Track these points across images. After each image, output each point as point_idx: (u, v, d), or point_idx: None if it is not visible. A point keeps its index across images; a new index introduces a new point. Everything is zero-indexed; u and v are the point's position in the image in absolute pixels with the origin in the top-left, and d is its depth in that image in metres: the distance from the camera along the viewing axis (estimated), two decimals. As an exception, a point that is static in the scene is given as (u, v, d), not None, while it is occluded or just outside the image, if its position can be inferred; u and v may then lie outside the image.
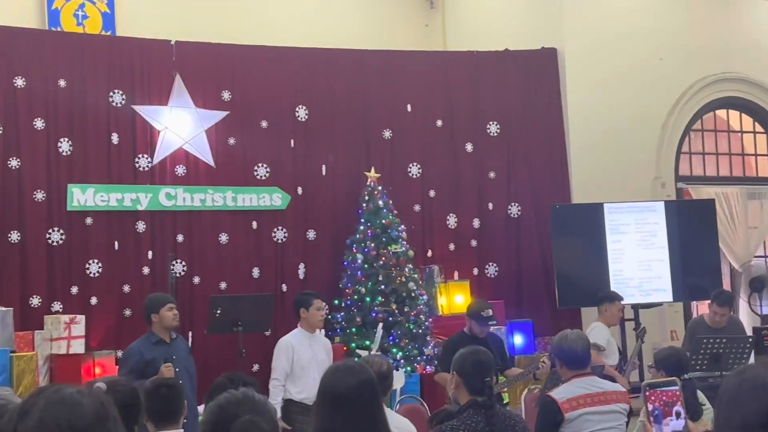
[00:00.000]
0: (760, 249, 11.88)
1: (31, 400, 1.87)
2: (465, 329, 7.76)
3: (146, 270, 9.40)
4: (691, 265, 10.27)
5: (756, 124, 12.17)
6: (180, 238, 9.59)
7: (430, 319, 9.73)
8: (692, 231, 10.35)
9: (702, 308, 10.52)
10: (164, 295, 7.39)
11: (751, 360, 8.27)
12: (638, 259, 10.18)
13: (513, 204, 10.80)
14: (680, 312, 11.07)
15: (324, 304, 7.72)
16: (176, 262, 9.40)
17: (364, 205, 9.82)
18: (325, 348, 7.58)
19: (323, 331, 8.95)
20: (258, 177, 9.95)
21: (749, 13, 11.92)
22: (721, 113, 12.14)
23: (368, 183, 9.91)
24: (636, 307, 9.97)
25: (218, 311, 8.24)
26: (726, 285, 11.12)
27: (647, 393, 2.02)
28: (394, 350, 9.17)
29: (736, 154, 12.17)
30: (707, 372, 7.85)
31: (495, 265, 10.71)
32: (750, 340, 8.37)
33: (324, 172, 10.21)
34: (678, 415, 2.06)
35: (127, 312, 9.19)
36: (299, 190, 10.09)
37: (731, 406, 1.81)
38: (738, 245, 11.49)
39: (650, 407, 2.00)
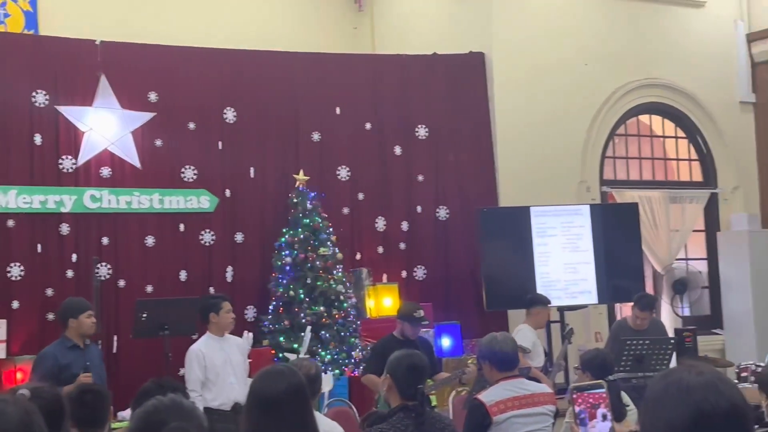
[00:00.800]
0: (681, 252, 12.11)
1: None
2: (395, 332, 7.78)
3: (70, 273, 9.24)
4: (615, 267, 10.45)
5: (678, 129, 12.42)
6: (105, 240, 9.45)
7: (359, 322, 9.73)
8: (616, 234, 10.54)
9: (626, 310, 10.70)
10: (85, 301, 7.29)
11: (673, 361, 8.43)
12: (564, 261, 10.32)
13: (441, 207, 10.87)
14: (604, 314, 11.25)
15: (230, 306, 7.57)
16: (101, 265, 9.26)
17: (293, 208, 9.78)
18: (239, 348, 7.42)
19: (251, 334, 8.89)
20: (185, 179, 9.85)
21: (672, 21, 12.17)
22: (644, 118, 12.37)
23: (297, 186, 9.88)
24: (562, 310, 10.11)
25: (144, 315, 8.12)
26: (649, 287, 11.34)
27: (574, 396, 2.04)
28: (323, 353, 9.14)
29: (658, 158, 12.41)
30: (631, 373, 7.98)
31: (423, 267, 10.76)
32: (672, 341, 8.53)
33: (252, 175, 10.15)
34: (604, 417, 2.09)
35: (50, 316, 9.00)
36: (227, 193, 10.02)
37: (656, 409, 1.84)
38: (660, 248, 11.71)
39: (577, 410, 2.03)
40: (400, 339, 7.66)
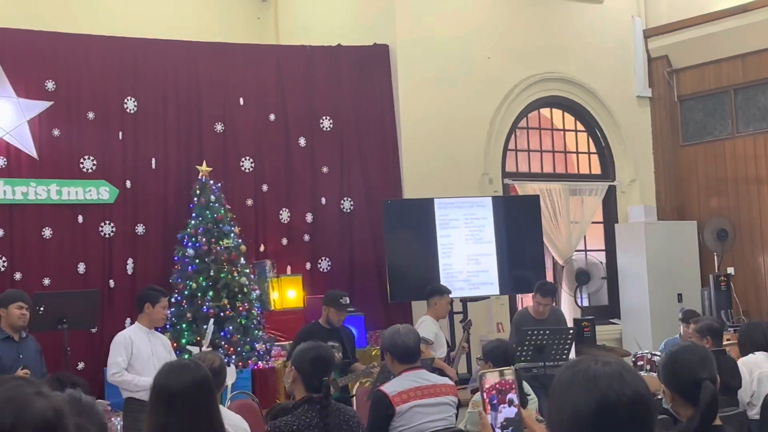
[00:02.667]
0: (580, 243, 12.36)
1: None
2: (320, 320, 7.86)
3: (-36, 266, 8.98)
4: (517, 259, 10.62)
5: (577, 122, 12.66)
6: (0, 232, 9.20)
7: (262, 314, 9.69)
8: (518, 226, 10.71)
9: (526, 300, 10.88)
10: (17, 292, 7.28)
11: (572, 351, 8.61)
12: (467, 253, 10.45)
13: (346, 199, 10.88)
14: (506, 305, 11.42)
15: (167, 303, 7.49)
16: (-4, 258, 9.02)
17: (196, 199, 9.67)
18: (164, 345, 7.36)
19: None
20: (84, 170, 9.65)
21: (572, 16, 12.39)
22: (546, 112, 12.58)
23: (200, 177, 9.76)
24: (464, 300, 10.23)
25: (41, 308, 7.93)
26: (549, 278, 11.53)
27: (482, 381, 2.07)
28: (226, 346, 9.07)
29: (558, 151, 12.63)
30: (531, 363, 8.12)
31: (328, 259, 10.76)
32: (571, 331, 8.70)
33: (154, 166, 10.00)
34: (511, 402, 2.12)
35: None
36: (128, 184, 9.84)
37: (563, 397, 1.88)
38: (560, 240, 11.94)
39: (486, 396, 2.06)
40: (325, 327, 7.73)
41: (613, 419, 1.82)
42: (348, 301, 7.94)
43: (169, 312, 9.21)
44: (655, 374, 5.81)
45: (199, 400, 3.12)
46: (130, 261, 9.75)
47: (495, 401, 2.05)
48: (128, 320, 8.70)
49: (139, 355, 7.04)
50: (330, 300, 7.91)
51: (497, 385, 2.07)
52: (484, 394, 2.05)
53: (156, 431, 3.10)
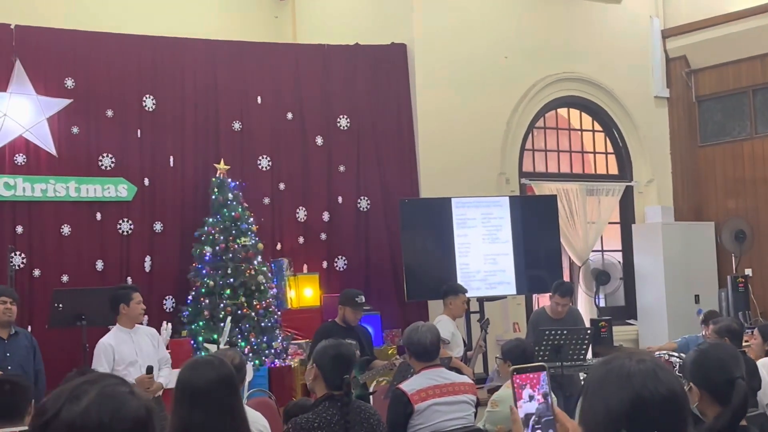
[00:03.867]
0: (597, 243, 12.33)
1: (85, 386, 1.80)
2: (336, 319, 7.90)
3: (-17, 263, 9.02)
4: (534, 258, 10.59)
5: (595, 123, 12.63)
6: (19, 229, 9.24)
7: (279, 313, 9.70)
8: (535, 226, 10.68)
9: (542, 301, 10.86)
10: (1, 287, 7.18)
11: (589, 352, 8.58)
12: (484, 252, 10.42)
13: (362, 198, 10.88)
14: (522, 304, 11.40)
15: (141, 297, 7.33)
16: (15, 254, 9.06)
17: (213, 197, 9.69)
18: (150, 338, 7.17)
19: (169, 325, 8.80)
20: (103, 167, 9.68)
21: (590, 15, 12.36)
22: (563, 112, 12.55)
23: (217, 175, 9.79)
24: (481, 300, 10.21)
25: (60, 305, 7.96)
26: (566, 279, 11.50)
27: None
28: (243, 343, 9.09)
29: (576, 151, 12.61)
30: (549, 362, 8.08)
31: (344, 258, 10.76)
32: (588, 331, 8.67)
33: (172, 164, 10.03)
34: (531, 398, 2.11)
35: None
36: (146, 182, 9.88)
37: (596, 395, 1.87)
38: (577, 240, 11.91)
39: (524, 391, 2.05)
40: (341, 326, 7.74)
41: (648, 417, 1.81)
42: (363, 300, 7.95)
43: (186, 310, 9.31)
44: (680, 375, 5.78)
45: (224, 396, 3.12)
46: (147, 258, 9.78)
47: (526, 396, 2.05)
48: (146, 318, 8.69)
49: (122, 360, 6.87)
50: (346, 299, 7.92)
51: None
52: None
53: (180, 428, 3.11)
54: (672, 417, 1.83)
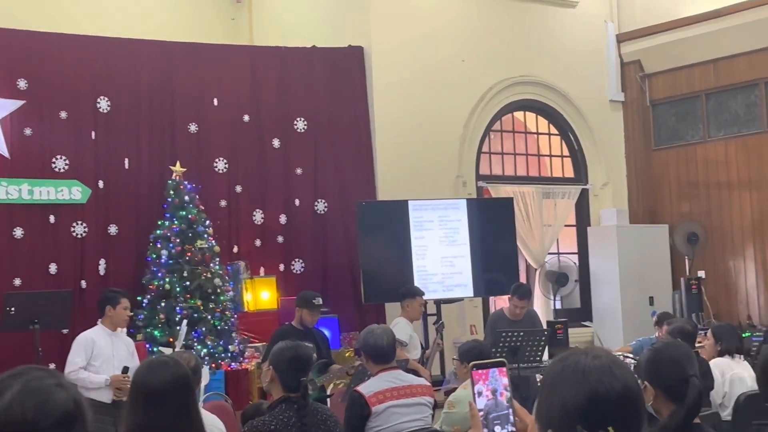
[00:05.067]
0: (553, 246, 12.40)
1: (9, 381, 1.76)
2: (293, 321, 7.86)
3: (-67, 266, 8.87)
4: (491, 261, 10.64)
5: (551, 126, 12.71)
6: (-29, 232, 9.11)
7: (236, 316, 9.65)
8: (492, 228, 10.73)
9: (500, 303, 10.90)
10: None
11: (546, 353, 8.63)
12: (441, 255, 10.45)
13: (320, 200, 10.86)
14: (479, 307, 11.43)
15: (129, 304, 7.42)
16: (-34, 258, 8.93)
17: (169, 199, 9.62)
18: (127, 347, 7.33)
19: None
20: (56, 169, 9.57)
21: (546, 20, 12.45)
22: (519, 115, 12.62)
23: (173, 177, 9.72)
24: (438, 302, 10.24)
25: (12, 308, 7.85)
26: (522, 281, 11.56)
27: (472, 372, 2.07)
28: (199, 347, 9.03)
29: (532, 154, 12.68)
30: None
31: (301, 261, 10.73)
32: (545, 333, 8.72)
33: (127, 166, 9.94)
34: (480, 393, 2.10)
35: None
36: (100, 184, 9.77)
37: (552, 391, 1.88)
38: (533, 242, 11.97)
39: (479, 386, 2.05)
40: (298, 329, 7.71)
41: (603, 413, 1.82)
42: (321, 302, 7.93)
43: (141, 314, 9.24)
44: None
45: (179, 397, 3.09)
46: (102, 261, 9.68)
47: (484, 392, 2.05)
48: (99, 322, 8.60)
49: (99, 355, 6.98)
50: (303, 301, 7.88)
51: (481, 377, 2.06)
52: (475, 387, 2.04)
53: (135, 429, 3.07)
54: (627, 413, 1.84)
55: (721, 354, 6.76)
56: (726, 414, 6.39)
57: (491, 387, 2.06)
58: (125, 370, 6.71)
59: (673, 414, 2.89)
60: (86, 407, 1.76)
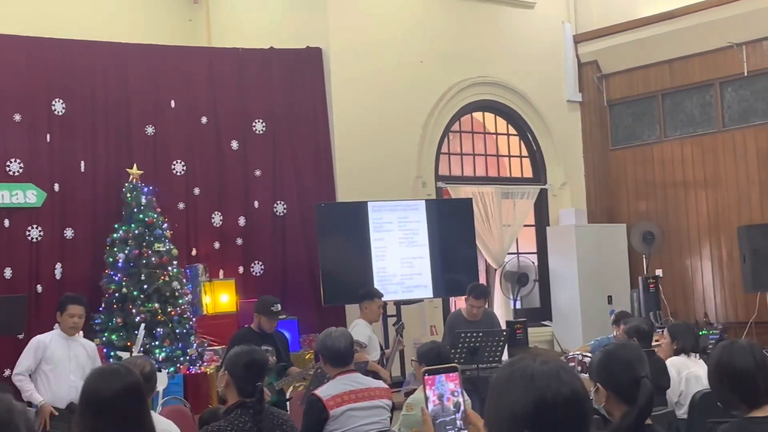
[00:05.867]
0: (512, 246, 12.45)
1: None
2: (252, 325, 7.82)
3: None
4: (450, 262, 10.67)
5: (509, 126, 12.77)
6: (-77, 237, 8.97)
7: (195, 319, 9.59)
8: (451, 229, 10.75)
9: (459, 303, 10.93)
10: None
11: (505, 353, 8.66)
12: (400, 256, 10.46)
13: (279, 202, 10.82)
14: (440, 307, 11.45)
15: (81, 309, 7.23)
16: None
17: (126, 202, 9.54)
18: (87, 350, 7.22)
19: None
20: (10, 173, 9.45)
21: (504, 21, 12.50)
22: (478, 116, 12.66)
23: (130, 180, 9.64)
24: (398, 303, 10.24)
25: (-34, 314, 7.77)
26: (482, 281, 11.61)
27: (424, 378, 2.07)
28: (157, 351, 8.96)
29: (491, 155, 12.72)
30: (465, 365, 8.13)
31: (260, 263, 10.69)
32: (504, 333, 8.75)
33: (83, 169, 9.84)
34: (426, 399, 2.11)
35: None
36: (56, 187, 9.67)
37: (501, 395, 1.88)
38: (493, 242, 12.01)
39: (428, 392, 2.06)
40: (257, 332, 7.68)
41: (550, 418, 1.82)
42: (280, 308, 7.86)
43: (98, 318, 9.15)
44: (586, 375, 5.89)
45: (130, 406, 3.05)
46: (58, 266, 9.58)
47: (431, 397, 2.05)
48: (57, 326, 8.52)
49: (52, 359, 6.96)
50: (261, 307, 7.84)
51: (431, 382, 2.06)
52: (427, 390, 2.05)
53: (85, 439, 3.03)
54: (574, 418, 1.85)
55: (677, 352, 6.81)
56: (682, 412, 6.44)
57: (437, 392, 2.07)
58: (71, 407, 6.58)
59: (625, 415, 2.91)
60: (20, 417, 1.73)
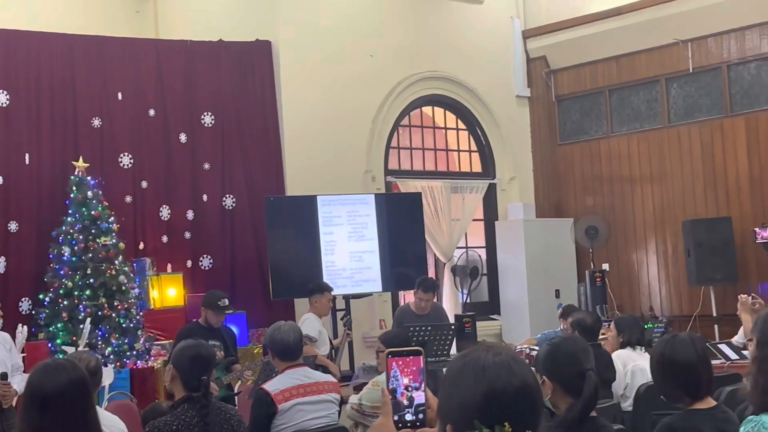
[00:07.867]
0: (462, 240, 12.50)
1: None
2: (200, 320, 7.79)
3: None
4: (399, 256, 10.69)
5: (458, 121, 12.81)
6: None
7: (142, 313, 9.51)
8: (400, 223, 10.77)
9: (408, 297, 10.95)
10: None
11: (453, 347, 8.71)
12: (350, 250, 10.46)
13: (228, 196, 10.76)
14: (389, 301, 11.46)
15: None
16: None
17: (72, 195, 9.42)
18: (2, 343, 6.93)
19: (25, 327, 8.46)
20: (-47, 165, 9.31)
21: (453, 15, 12.53)
22: (427, 110, 12.69)
23: (76, 173, 9.52)
24: (347, 298, 10.24)
25: None
26: (431, 275, 11.64)
27: (388, 359, 2.07)
28: (103, 345, 8.88)
29: (440, 149, 12.76)
30: (414, 358, 8.16)
31: (209, 257, 10.62)
32: (452, 327, 8.80)
33: (27, 161, 9.69)
34: (400, 383, 2.11)
35: None
36: None
37: (453, 386, 1.90)
38: (442, 237, 12.05)
39: (390, 372, 2.06)
40: (204, 327, 7.65)
41: (500, 409, 1.85)
42: (227, 303, 7.83)
43: (43, 312, 9.04)
44: (533, 369, 5.94)
45: (75, 401, 3.02)
46: (2, 259, 9.45)
47: (399, 381, 2.05)
48: None
49: None
50: (208, 302, 7.81)
51: (402, 364, 2.07)
52: (390, 373, 2.05)
53: (29, 434, 3.00)
54: (524, 409, 1.88)
55: (623, 345, 6.90)
56: (627, 404, 6.52)
57: (391, 387, 2.07)
58: (3, 376, 6.36)
59: (571, 407, 2.94)
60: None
